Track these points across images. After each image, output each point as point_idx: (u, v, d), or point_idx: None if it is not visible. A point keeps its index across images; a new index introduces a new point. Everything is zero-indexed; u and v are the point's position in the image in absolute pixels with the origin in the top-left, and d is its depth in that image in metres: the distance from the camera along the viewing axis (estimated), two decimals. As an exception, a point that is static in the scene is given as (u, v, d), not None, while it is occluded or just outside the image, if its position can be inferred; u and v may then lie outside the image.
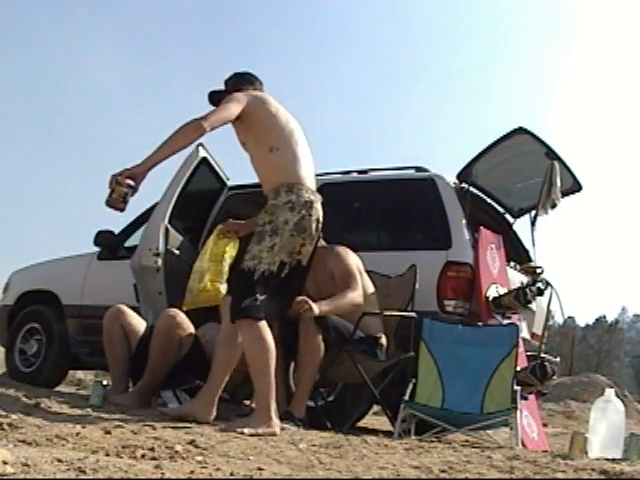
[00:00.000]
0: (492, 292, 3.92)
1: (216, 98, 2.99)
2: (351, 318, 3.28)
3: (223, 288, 3.11)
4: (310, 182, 2.86)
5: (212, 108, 2.86)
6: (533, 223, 4.22)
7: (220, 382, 2.85)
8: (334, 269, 3.40)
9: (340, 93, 71.18)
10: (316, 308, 3.03)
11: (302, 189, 2.78)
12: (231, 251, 3.23)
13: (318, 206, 2.84)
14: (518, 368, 3.39)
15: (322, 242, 3.40)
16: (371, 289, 3.51)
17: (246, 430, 2.55)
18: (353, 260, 3.45)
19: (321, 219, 2.85)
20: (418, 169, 4.40)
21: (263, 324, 2.71)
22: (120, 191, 2.68)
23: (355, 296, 3.29)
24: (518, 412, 3.13)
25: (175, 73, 64.42)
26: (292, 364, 3.64)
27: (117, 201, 2.72)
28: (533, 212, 4.38)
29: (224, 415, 2.94)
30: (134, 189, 2.70)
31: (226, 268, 3.17)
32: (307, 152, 2.92)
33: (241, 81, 3.04)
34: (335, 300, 3.23)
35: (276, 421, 2.69)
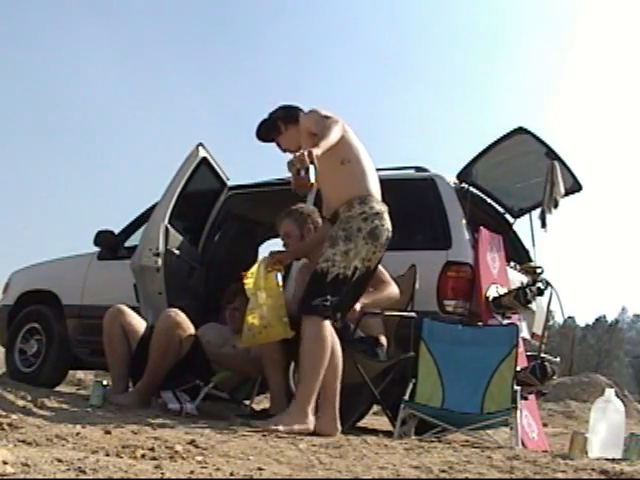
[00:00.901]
0: (492, 292, 3.92)
1: (267, 129, 3.13)
2: (351, 318, 3.28)
3: (286, 322, 3.02)
4: (379, 194, 2.98)
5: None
6: (543, 225, 4.20)
7: (314, 392, 2.79)
8: None
9: (339, 93, 71.16)
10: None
11: (373, 200, 2.90)
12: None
13: (387, 216, 2.94)
14: (518, 368, 3.39)
15: None
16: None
17: (281, 427, 2.56)
18: None
19: (391, 228, 2.96)
20: (418, 169, 4.40)
21: (328, 324, 2.76)
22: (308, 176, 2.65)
23: (394, 289, 3.38)
24: (518, 412, 3.13)
25: (175, 74, 64.48)
26: (292, 364, 3.64)
27: (307, 186, 2.65)
28: (534, 212, 4.37)
29: (222, 415, 2.94)
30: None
31: (283, 301, 3.07)
32: (372, 165, 3.03)
33: (292, 115, 3.11)
34: (376, 294, 3.28)
35: (311, 418, 2.71)
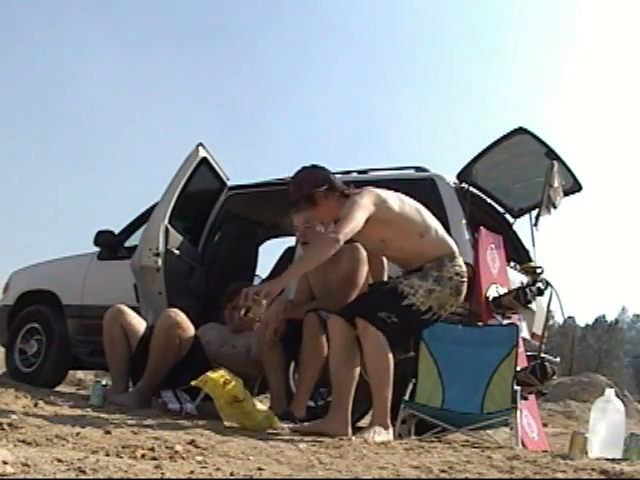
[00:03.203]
0: (492, 292, 3.92)
1: (306, 200, 3.04)
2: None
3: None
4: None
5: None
6: (536, 224, 4.21)
7: (349, 398, 2.84)
8: (345, 265, 3.42)
9: (339, 93, 71.21)
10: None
11: (458, 258, 2.98)
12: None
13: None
14: (518, 368, 3.39)
15: None
16: None
17: (377, 438, 2.58)
18: (365, 260, 3.46)
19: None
20: (418, 169, 4.40)
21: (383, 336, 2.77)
22: (257, 312, 2.74)
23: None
24: (518, 412, 3.13)
25: (174, 74, 64.43)
26: (292, 364, 3.65)
27: (252, 321, 2.90)
28: (534, 212, 4.37)
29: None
30: (266, 305, 2.78)
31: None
32: (439, 223, 3.08)
33: (319, 179, 3.02)
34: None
35: (391, 427, 2.75)
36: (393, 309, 2.79)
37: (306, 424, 2.90)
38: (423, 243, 2.94)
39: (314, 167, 3.08)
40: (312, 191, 2.98)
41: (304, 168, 3.09)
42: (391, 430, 2.74)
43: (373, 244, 3.01)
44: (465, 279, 2.99)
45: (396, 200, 2.99)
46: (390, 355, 2.76)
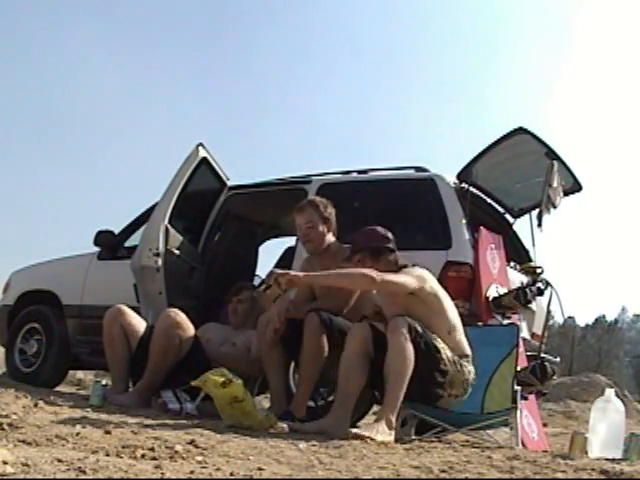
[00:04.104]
0: (492, 292, 3.92)
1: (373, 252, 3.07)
2: (353, 318, 3.28)
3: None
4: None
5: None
6: (539, 224, 4.20)
7: (353, 401, 2.89)
8: (347, 266, 3.43)
9: (340, 93, 71.17)
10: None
11: (471, 362, 3.05)
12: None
13: None
14: (518, 368, 3.39)
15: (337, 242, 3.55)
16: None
17: (379, 437, 2.58)
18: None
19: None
20: (418, 169, 4.40)
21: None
22: (275, 292, 2.83)
23: None
24: (518, 412, 3.13)
25: (174, 74, 64.37)
26: (292, 364, 3.64)
27: (269, 299, 2.95)
28: (534, 212, 4.37)
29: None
30: (284, 292, 2.87)
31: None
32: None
33: (388, 238, 3.14)
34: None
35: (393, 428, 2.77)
36: (427, 338, 2.85)
37: (306, 424, 2.90)
38: (446, 340, 2.98)
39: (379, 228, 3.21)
40: (382, 245, 3.10)
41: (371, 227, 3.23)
42: (394, 431, 2.74)
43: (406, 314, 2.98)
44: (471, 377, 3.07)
45: (442, 293, 3.06)
46: (412, 358, 2.78)
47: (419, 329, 2.82)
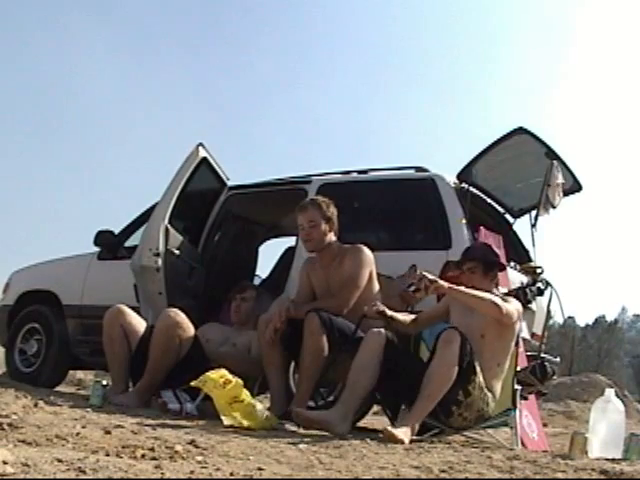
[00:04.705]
0: (492, 292, 3.92)
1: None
2: (353, 319, 3.28)
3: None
4: None
5: None
6: (534, 224, 4.21)
7: (358, 401, 2.91)
8: (348, 266, 3.46)
9: (340, 93, 71.11)
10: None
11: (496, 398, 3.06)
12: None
13: None
14: (518, 368, 3.39)
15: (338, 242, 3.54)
16: (377, 289, 3.52)
17: (400, 435, 2.61)
18: (368, 262, 3.48)
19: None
20: (418, 169, 4.40)
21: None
22: (422, 295, 2.95)
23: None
24: (518, 412, 3.13)
25: (173, 74, 64.33)
26: (292, 364, 3.64)
27: (413, 300, 3.14)
28: (533, 212, 4.37)
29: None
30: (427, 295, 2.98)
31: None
32: None
33: (495, 266, 3.26)
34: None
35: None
36: (471, 358, 2.88)
37: (310, 412, 2.92)
38: (490, 371, 3.00)
39: None
40: (498, 260, 3.30)
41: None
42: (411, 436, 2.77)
43: (473, 334, 2.98)
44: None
45: (515, 338, 3.13)
46: (454, 376, 2.79)
47: (468, 348, 2.84)
